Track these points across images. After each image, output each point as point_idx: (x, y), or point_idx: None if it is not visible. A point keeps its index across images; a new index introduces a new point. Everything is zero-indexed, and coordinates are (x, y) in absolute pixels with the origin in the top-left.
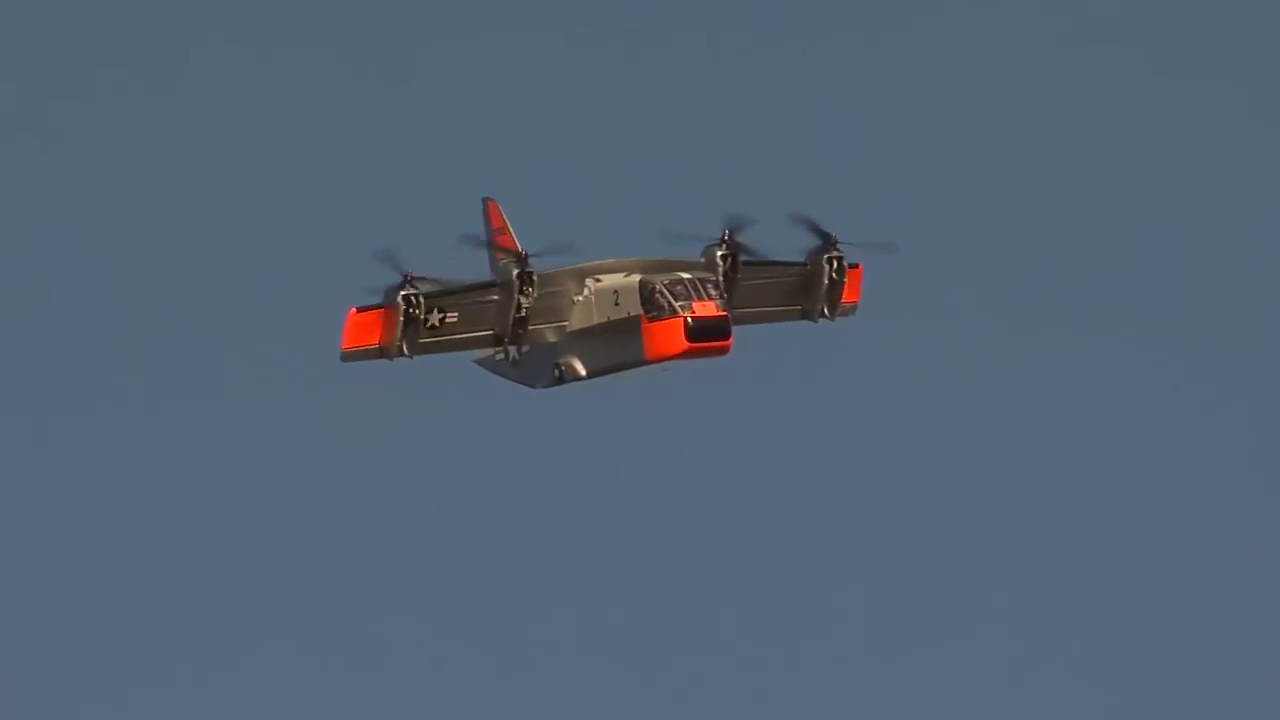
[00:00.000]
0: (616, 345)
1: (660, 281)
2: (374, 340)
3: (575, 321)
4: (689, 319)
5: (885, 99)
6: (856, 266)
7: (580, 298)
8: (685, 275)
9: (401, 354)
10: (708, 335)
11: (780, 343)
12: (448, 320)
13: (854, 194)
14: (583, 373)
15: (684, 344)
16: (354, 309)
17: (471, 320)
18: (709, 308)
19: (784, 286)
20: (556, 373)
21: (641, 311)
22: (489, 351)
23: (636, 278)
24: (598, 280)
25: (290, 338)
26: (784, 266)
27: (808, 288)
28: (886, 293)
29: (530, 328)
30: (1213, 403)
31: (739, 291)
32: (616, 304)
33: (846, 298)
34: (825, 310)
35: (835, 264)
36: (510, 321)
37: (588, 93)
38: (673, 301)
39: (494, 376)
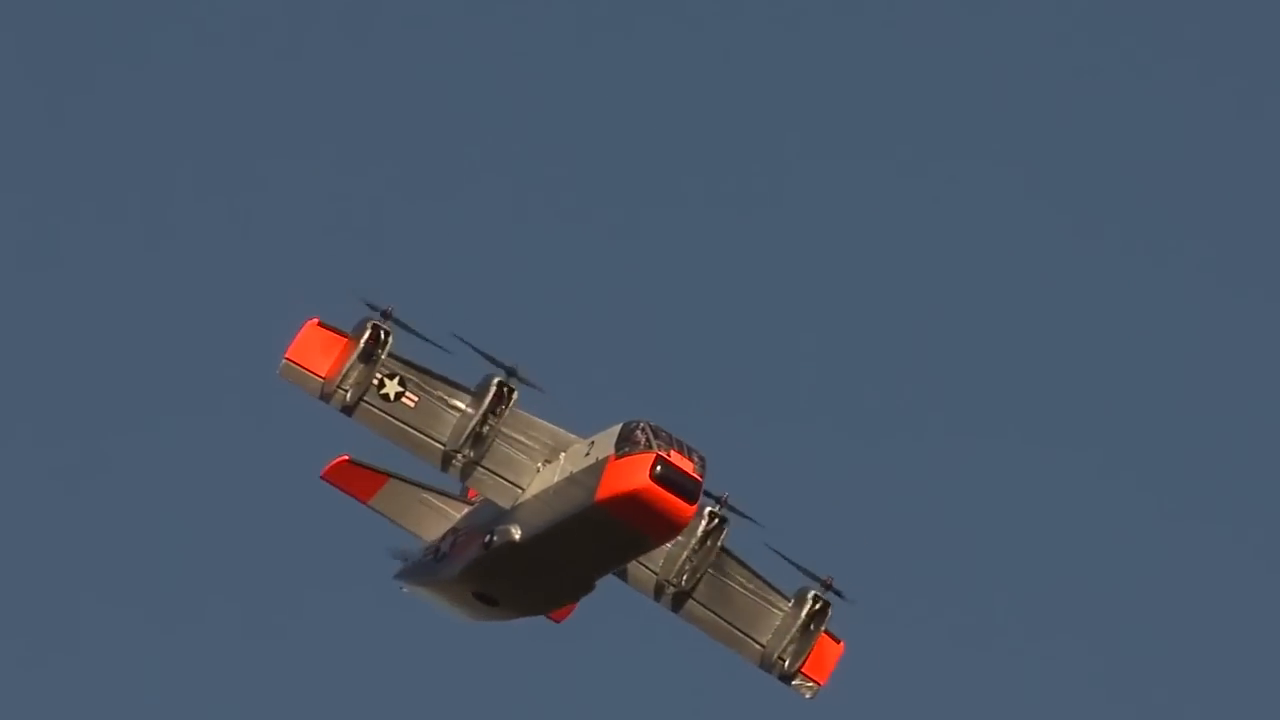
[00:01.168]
0: (567, 495)
1: (646, 421)
2: (320, 367)
3: (533, 487)
4: (661, 457)
5: None
6: (837, 641)
7: (545, 465)
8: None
9: (340, 398)
10: (674, 487)
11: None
12: (404, 400)
13: None
14: (516, 537)
15: (645, 482)
16: (315, 320)
17: (426, 416)
18: (687, 465)
19: (750, 606)
20: (487, 539)
21: (612, 452)
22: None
23: (617, 425)
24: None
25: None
26: (766, 585)
27: (777, 623)
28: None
29: (483, 464)
30: None
31: (707, 582)
32: (587, 454)
33: (810, 670)
34: (785, 664)
35: (818, 606)
36: (465, 437)
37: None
38: (651, 438)
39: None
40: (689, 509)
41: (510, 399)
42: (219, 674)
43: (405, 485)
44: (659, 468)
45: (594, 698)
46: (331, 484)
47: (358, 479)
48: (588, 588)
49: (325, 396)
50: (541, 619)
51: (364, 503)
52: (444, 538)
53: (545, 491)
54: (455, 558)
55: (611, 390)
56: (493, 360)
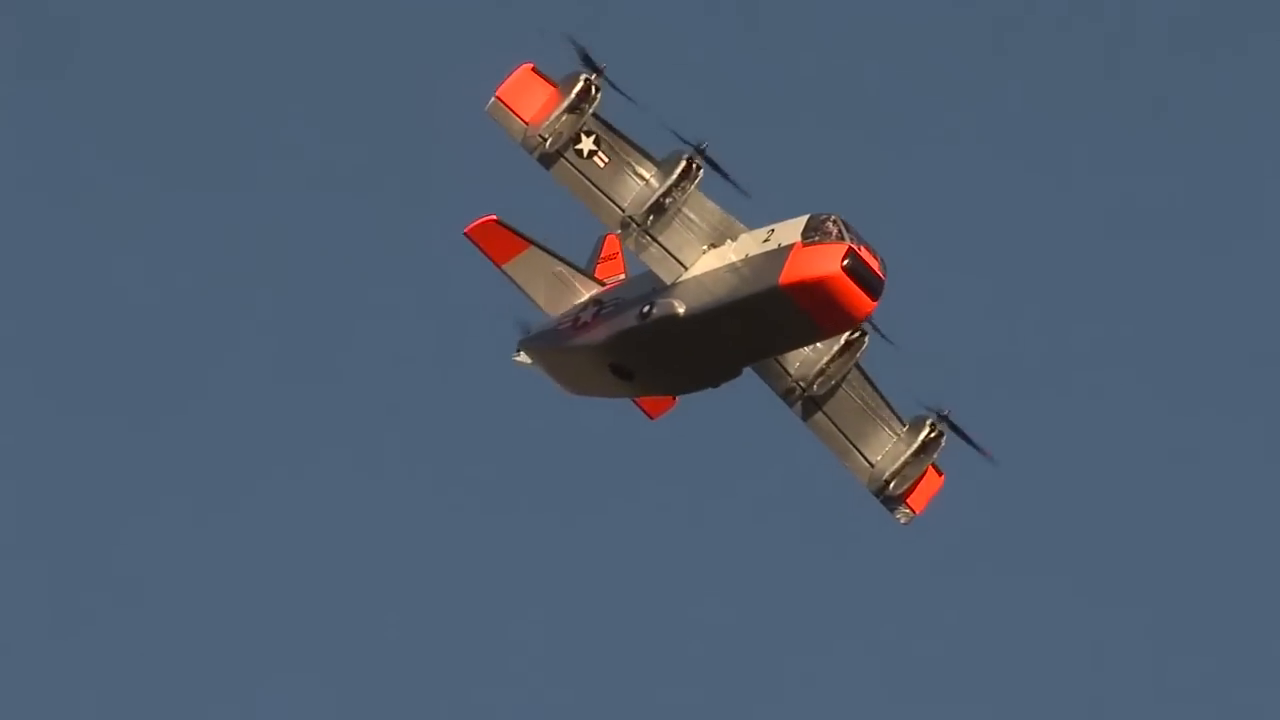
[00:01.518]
0: (743, 276)
1: (838, 215)
2: (527, 111)
3: (697, 267)
4: (853, 249)
5: None
6: (940, 474)
7: (710, 248)
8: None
9: (539, 145)
10: (862, 280)
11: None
12: (595, 158)
13: None
14: (680, 310)
15: (836, 270)
16: (530, 65)
17: (611, 179)
18: (875, 262)
19: (869, 424)
20: (645, 309)
21: (799, 239)
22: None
23: (805, 215)
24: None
25: None
26: (888, 406)
27: (889, 446)
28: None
29: (656, 235)
30: None
31: (835, 393)
32: (766, 240)
33: (911, 498)
34: (891, 485)
35: (934, 435)
36: (648, 206)
37: None
38: (845, 231)
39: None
40: (871, 305)
41: (696, 177)
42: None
43: (543, 255)
44: (850, 260)
45: (694, 485)
46: (473, 241)
47: (499, 241)
48: (734, 373)
49: (526, 142)
50: (636, 413)
51: (499, 265)
52: (585, 307)
53: (715, 271)
54: (599, 326)
55: (797, 191)
56: (682, 138)
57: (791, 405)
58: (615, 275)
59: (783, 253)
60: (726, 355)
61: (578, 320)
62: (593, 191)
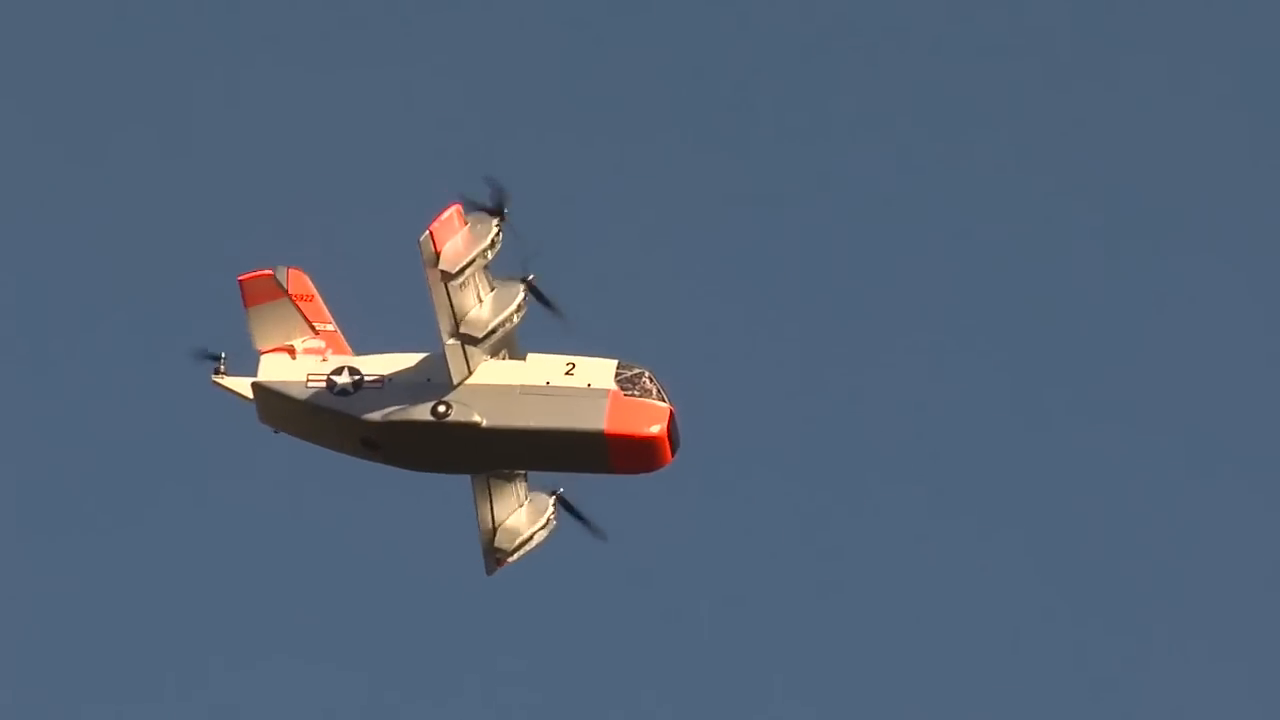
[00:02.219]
0: (558, 408)
1: (649, 370)
2: (448, 248)
3: (482, 375)
4: (673, 413)
5: None
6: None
7: (491, 358)
8: None
9: (448, 278)
10: (674, 442)
11: None
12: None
13: None
14: (479, 421)
15: (662, 433)
16: (459, 206)
17: (460, 295)
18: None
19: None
20: (441, 409)
21: (615, 387)
22: None
23: (611, 361)
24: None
25: None
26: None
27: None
28: None
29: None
30: None
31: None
32: (570, 373)
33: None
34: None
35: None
36: (484, 329)
37: None
38: (663, 392)
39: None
40: (669, 460)
41: (524, 306)
42: None
43: (292, 310)
44: (671, 424)
45: None
46: (242, 285)
47: (262, 290)
48: (482, 470)
49: (437, 270)
50: None
51: (246, 306)
52: (339, 371)
53: (509, 388)
54: (368, 400)
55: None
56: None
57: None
58: (321, 320)
59: (599, 396)
60: (496, 460)
61: (332, 384)
62: (446, 305)
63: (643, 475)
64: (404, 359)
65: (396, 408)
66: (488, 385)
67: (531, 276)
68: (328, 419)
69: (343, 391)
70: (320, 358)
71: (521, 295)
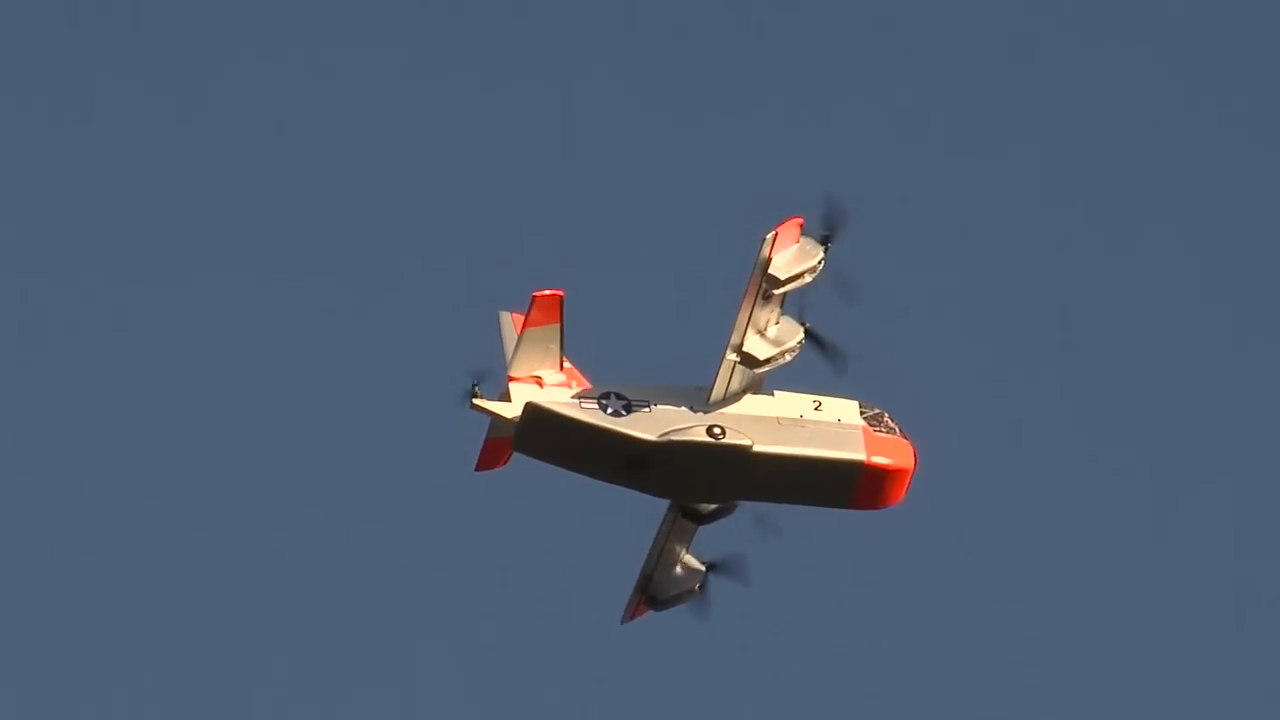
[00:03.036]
0: (818, 437)
1: (889, 413)
2: (780, 255)
3: (739, 407)
4: (915, 453)
5: None
6: None
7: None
8: None
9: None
10: (910, 484)
11: None
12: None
13: None
14: (749, 445)
15: (911, 466)
16: (800, 220)
17: (760, 315)
18: None
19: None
20: (716, 430)
21: (863, 423)
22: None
23: (852, 401)
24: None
25: None
26: None
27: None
28: None
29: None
30: None
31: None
32: (819, 409)
33: None
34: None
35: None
36: (764, 357)
37: None
38: (902, 430)
39: None
40: (899, 500)
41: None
42: None
43: (556, 333)
44: (916, 461)
45: None
46: (533, 303)
47: (545, 311)
48: (729, 499)
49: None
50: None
51: (520, 329)
52: (606, 395)
53: (765, 419)
54: (643, 421)
55: None
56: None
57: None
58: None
59: (853, 430)
60: (749, 489)
61: (603, 406)
62: (747, 316)
63: (869, 511)
64: (657, 389)
65: (673, 428)
66: (746, 415)
67: (808, 325)
68: (600, 439)
69: (616, 413)
70: (568, 389)
71: (801, 336)
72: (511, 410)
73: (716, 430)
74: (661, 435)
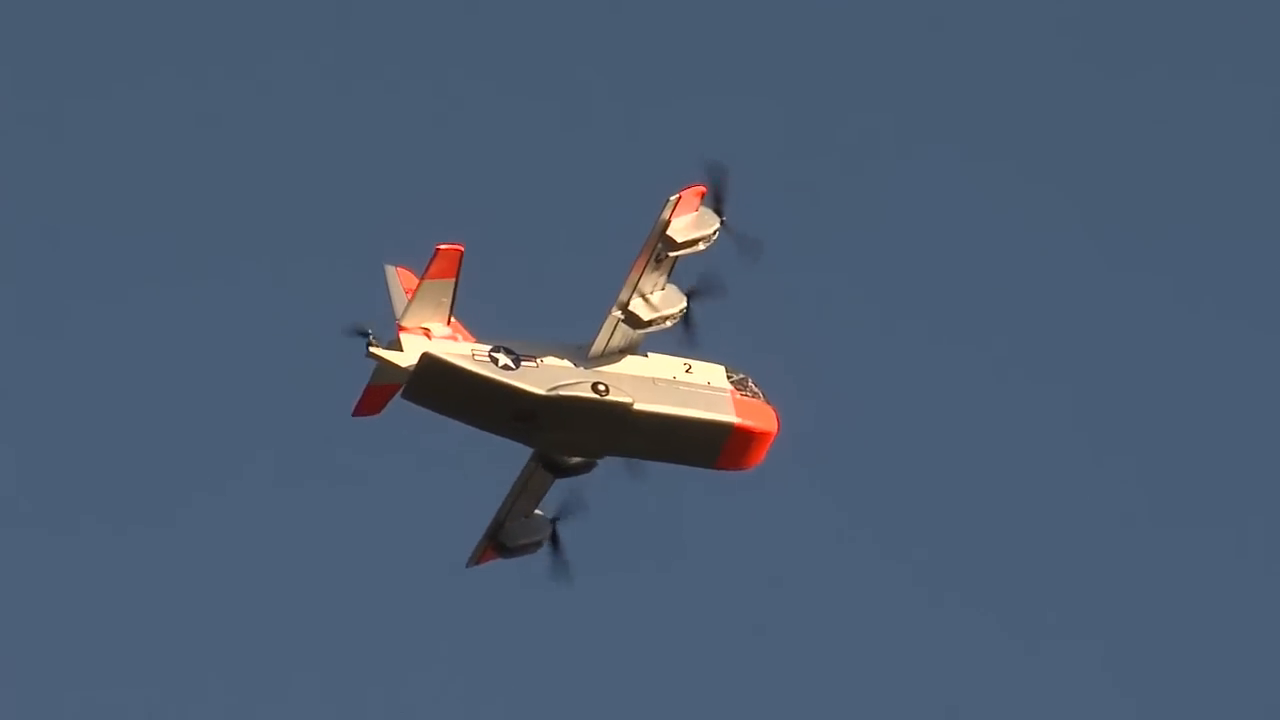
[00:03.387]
0: (691, 398)
1: (752, 377)
2: (680, 219)
3: (618, 366)
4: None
5: None
6: None
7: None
8: None
9: (670, 247)
10: (774, 439)
11: None
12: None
13: None
14: (631, 404)
15: (775, 430)
16: (703, 189)
17: (648, 275)
18: None
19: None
20: (600, 386)
21: (730, 387)
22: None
23: (719, 365)
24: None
25: None
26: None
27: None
28: None
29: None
30: None
31: None
32: (689, 371)
33: None
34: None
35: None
36: (646, 318)
37: None
38: (765, 395)
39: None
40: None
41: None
42: None
43: (451, 293)
44: (779, 426)
45: None
46: (436, 255)
47: (444, 265)
48: (601, 455)
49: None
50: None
51: (419, 279)
52: (496, 349)
53: (641, 379)
54: (531, 375)
55: None
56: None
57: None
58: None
59: (722, 395)
60: (623, 445)
61: (494, 359)
62: (637, 277)
63: (730, 472)
64: (541, 344)
65: (560, 384)
66: (625, 374)
67: (691, 294)
68: (490, 391)
69: (506, 366)
70: (455, 342)
71: (684, 305)
72: (405, 359)
73: (601, 387)
74: (550, 390)
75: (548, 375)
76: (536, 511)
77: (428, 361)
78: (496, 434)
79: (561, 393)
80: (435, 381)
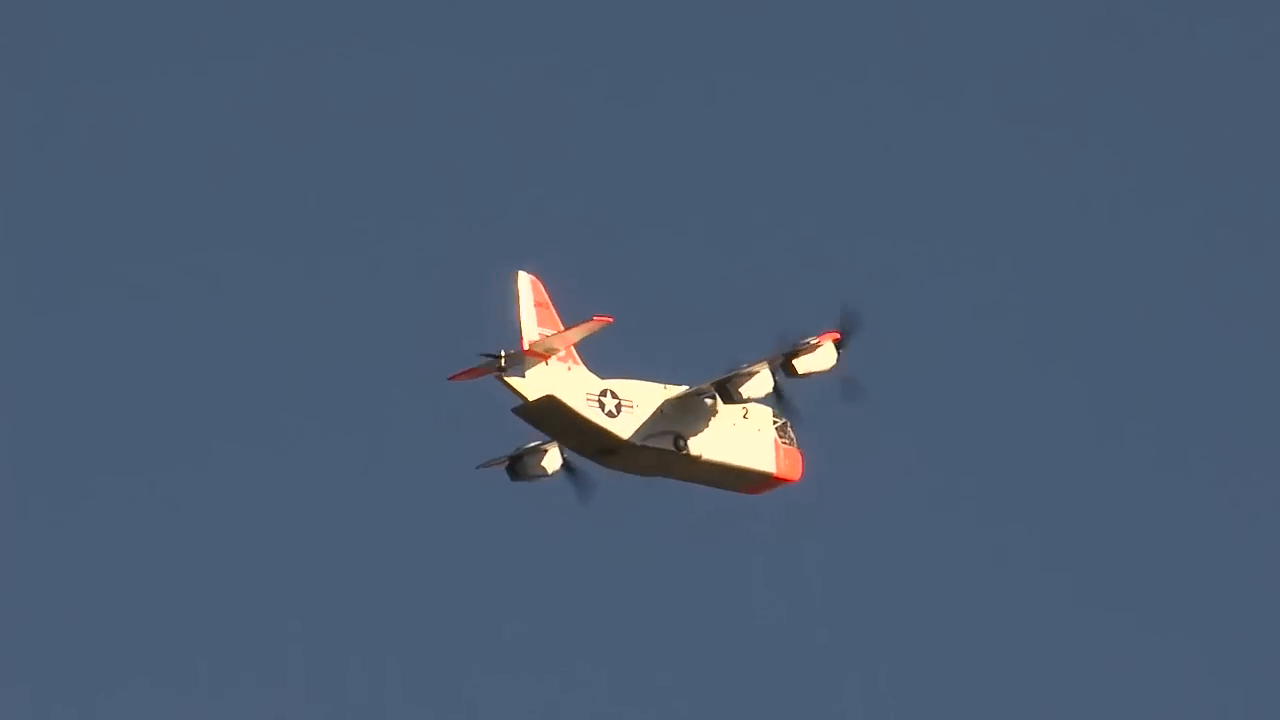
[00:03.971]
0: (744, 447)
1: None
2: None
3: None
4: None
5: None
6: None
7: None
8: None
9: None
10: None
11: None
12: None
13: None
14: (699, 455)
15: (799, 476)
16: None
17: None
18: None
19: None
20: (680, 442)
21: (776, 435)
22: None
23: (768, 409)
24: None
25: None
26: None
27: None
28: None
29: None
30: None
31: None
32: (745, 417)
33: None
34: None
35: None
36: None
37: None
38: (797, 441)
39: None
40: None
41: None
42: None
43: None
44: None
45: None
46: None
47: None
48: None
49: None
50: None
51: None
52: (605, 394)
53: (716, 428)
54: (626, 423)
55: None
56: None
57: None
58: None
59: (768, 441)
60: (676, 475)
61: (602, 404)
62: (741, 378)
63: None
64: (642, 387)
65: (650, 436)
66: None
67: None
68: (591, 430)
69: (610, 413)
70: (566, 366)
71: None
72: (531, 391)
73: (680, 443)
74: (640, 439)
75: (640, 423)
76: (556, 454)
77: (550, 400)
78: (578, 454)
79: (649, 444)
80: (548, 412)
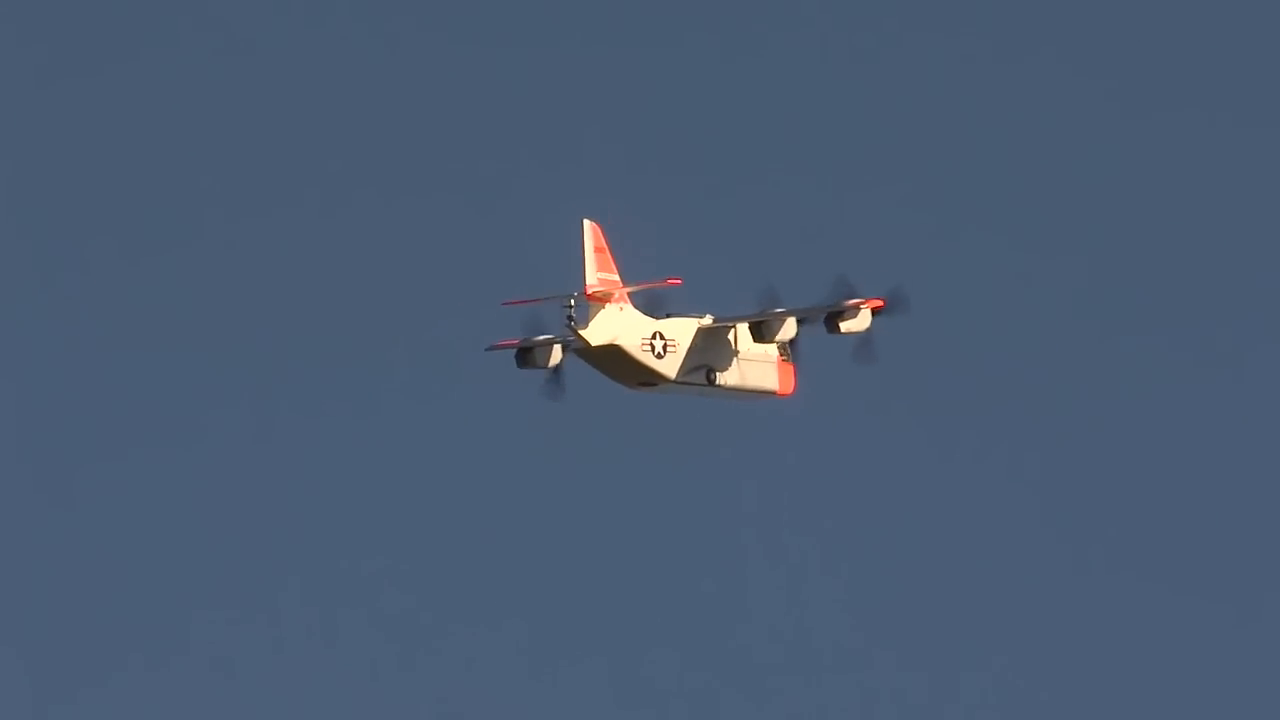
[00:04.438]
0: (756, 371)
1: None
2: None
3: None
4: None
5: None
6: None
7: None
8: None
9: None
10: None
11: None
12: None
13: None
14: (723, 383)
15: (793, 388)
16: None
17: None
18: None
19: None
20: (711, 376)
21: (779, 354)
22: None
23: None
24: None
25: None
26: None
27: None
28: None
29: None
30: None
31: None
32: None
33: None
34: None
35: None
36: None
37: None
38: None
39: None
40: None
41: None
42: None
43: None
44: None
45: None
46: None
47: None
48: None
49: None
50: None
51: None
52: (655, 336)
53: (739, 358)
54: (670, 362)
55: None
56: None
57: None
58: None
59: (773, 362)
60: (702, 395)
61: (653, 347)
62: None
63: None
64: (682, 325)
65: (689, 371)
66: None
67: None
68: (641, 369)
69: (658, 355)
70: (619, 307)
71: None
72: (596, 339)
73: (712, 375)
74: (681, 376)
75: (681, 361)
76: (560, 355)
77: (612, 348)
78: (620, 382)
79: (688, 379)
80: (608, 356)
